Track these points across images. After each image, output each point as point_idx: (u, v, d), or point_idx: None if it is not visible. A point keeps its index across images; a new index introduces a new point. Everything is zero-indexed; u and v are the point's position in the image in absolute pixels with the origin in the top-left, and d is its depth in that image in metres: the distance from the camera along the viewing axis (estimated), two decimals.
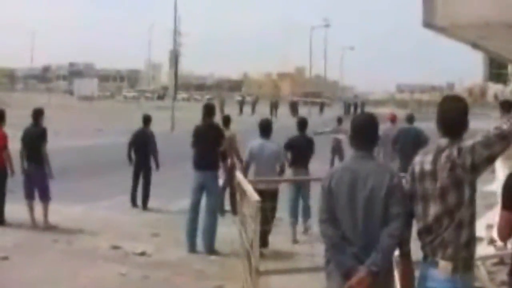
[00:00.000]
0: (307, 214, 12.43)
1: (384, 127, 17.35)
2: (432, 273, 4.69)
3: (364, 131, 5.15)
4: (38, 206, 12.75)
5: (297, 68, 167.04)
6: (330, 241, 5.01)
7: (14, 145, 13.00)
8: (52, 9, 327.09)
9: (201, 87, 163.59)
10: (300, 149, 12.63)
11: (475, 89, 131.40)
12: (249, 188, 7.59)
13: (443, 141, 4.74)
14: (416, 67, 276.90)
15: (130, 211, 14.71)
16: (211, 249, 11.13)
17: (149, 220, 13.84)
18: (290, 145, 12.61)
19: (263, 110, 70.41)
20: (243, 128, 15.74)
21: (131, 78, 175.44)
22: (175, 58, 53.98)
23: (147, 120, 15.95)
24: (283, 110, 69.22)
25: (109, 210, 14.59)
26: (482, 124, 11.83)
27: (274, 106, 70.74)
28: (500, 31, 12.88)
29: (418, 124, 16.62)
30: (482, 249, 8.80)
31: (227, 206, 14.15)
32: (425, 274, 4.76)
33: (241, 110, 67.94)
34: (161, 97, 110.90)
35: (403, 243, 4.96)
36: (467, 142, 4.62)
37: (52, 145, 14.01)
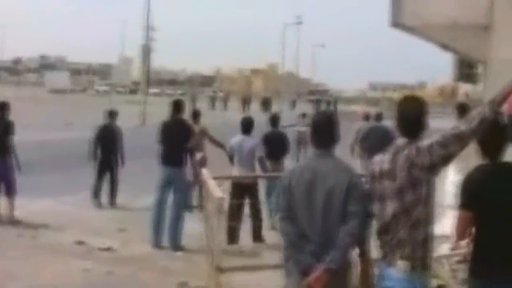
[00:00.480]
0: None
1: (358, 125, 17.48)
2: (390, 272, 4.72)
3: (324, 129, 5.17)
4: (3, 200, 12.62)
5: (270, 65, 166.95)
6: (289, 239, 5.04)
7: None
8: (23, 1, 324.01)
9: (173, 82, 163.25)
10: (274, 144, 12.90)
11: (447, 88, 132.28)
12: (212, 184, 7.57)
13: (402, 141, 4.78)
14: (389, 65, 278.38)
15: (94, 207, 14.58)
16: (176, 245, 11.09)
17: (116, 215, 13.77)
18: (265, 141, 12.73)
19: (235, 106, 70.49)
20: (216, 123, 15.66)
21: (103, 72, 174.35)
22: (146, 52, 53.77)
23: (113, 114, 15.68)
24: (255, 106, 69.17)
25: (75, 205, 14.48)
26: (453, 123, 11.97)
27: (246, 102, 70.86)
28: (468, 32, 12.98)
29: (388, 123, 16.70)
30: (448, 247, 8.89)
31: (195, 202, 14.11)
32: (384, 273, 4.79)
33: (213, 106, 67.93)
34: (133, 92, 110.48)
35: (362, 242, 5.00)
36: (425, 141, 4.66)
37: (21, 138, 13.88)
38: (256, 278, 8.47)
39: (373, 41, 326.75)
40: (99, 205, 14.61)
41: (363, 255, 5.05)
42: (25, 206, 13.26)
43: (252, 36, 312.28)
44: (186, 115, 12.44)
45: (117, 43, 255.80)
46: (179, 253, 10.88)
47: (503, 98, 4.60)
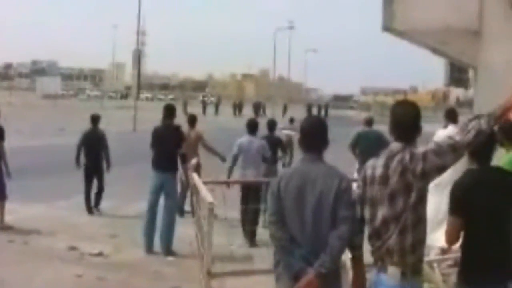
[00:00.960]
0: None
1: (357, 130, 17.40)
2: (382, 278, 4.72)
3: (313, 134, 5.17)
4: None
5: (261, 70, 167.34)
6: (279, 244, 5.03)
7: None
8: (14, 7, 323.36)
9: (165, 87, 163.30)
10: (270, 148, 13.12)
11: (438, 93, 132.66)
12: (203, 189, 7.57)
13: (395, 146, 4.77)
14: (380, 70, 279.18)
15: (87, 212, 14.54)
16: (168, 250, 11.08)
17: (107, 220, 13.75)
18: None
19: (227, 111, 70.56)
20: (208, 128, 15.65)
21: (94, 77, 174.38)
22: (138, 57, 53.72)
23: (96, 119, 15.30)
24: (247, 111, 69.25)
25: (67, 210, 14.46)
26: (442, 128, 11.99)
27: (238, 107, 71.09)
28: (459, 36, 13.02)
29: (380, 127, 16.66)
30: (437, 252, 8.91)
31: (187, 207, 14.10)
32: (376, 279, 4.79)
33: (204, 111, 67.99)
34: (124, 97, 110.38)
35: (356, 248, 4.99)
36: (420, 148, 4.66)
37: (12, 144, 13.86)
38: (248, 282, 8.47)
39: (365, 46, 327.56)
40: (90, 211, 14.53)
41: (356, 260, 5.05)
42: (17, 211, 13.25)
43: (244, 41, 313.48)
44: (179, 120, 12.42)
45: (109, 49, 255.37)
46: (171, 258, 10.87)
47: (502, 114, 4.60)
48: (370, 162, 4.89)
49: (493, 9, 11.62)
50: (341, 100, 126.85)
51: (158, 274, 9.94)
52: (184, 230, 11.30)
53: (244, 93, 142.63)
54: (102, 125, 15.58)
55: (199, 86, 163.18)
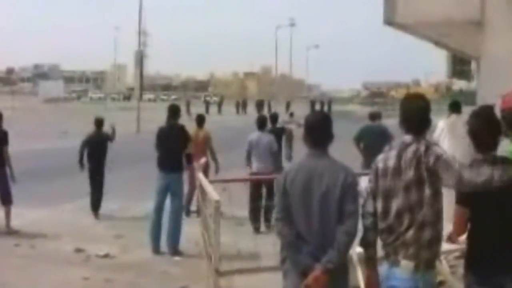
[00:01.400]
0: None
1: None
2: (394, 271, 4.71)
3: (318, 129, 5.15)
4: (0, 210, 12.58)
5: (263, 67, 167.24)
6: (286, 240, 5.02)
7: None
8: (15, 11, 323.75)
9: (167, 87, 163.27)
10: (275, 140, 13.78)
11: (441, 85, 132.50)
12: (209, 188, 7.54)
13: (408, 138, 4.81)
14: (382, 64, 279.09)
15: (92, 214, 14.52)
16: (175, 250, 11.07)
17: (113, 222, 13.72)
18: None
19: (230, 110, 70.57)
20: (211, 128, 15.65)
21: (97, 80, 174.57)
22: (140, 58, 53.67)
23: (100, 122, 15.10)
24: (250, 109, 69.33)
25: (72, 213, 14.46)
26: (445, 119, 11.96)
27: (242, 105, 71.28)
28: (461, 28, 12.99)
29: (385, 121, 16.64)
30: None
31: (194, 206, 14.09)
32: (387, 273, 4.78)
33: (207, 110, 67.97)
34: (127, 98, 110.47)
35: (370, 245, 4.95)
36: (438, 148, 4.75)
37: (16, 148, 13.84)
38: (256, 280, 8.45)
39: (366, 40, 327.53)
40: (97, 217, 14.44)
41: (370, 258, 5.01)
42: (23, 215, 13.24)
43: (245, 40, 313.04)
44: (182, 120, 12.40)
45: (111, 50, 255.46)
46: (177, 258, 10.85)
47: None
48: (381, 156, 4.91)
49: (495, 0, 11.59)
50: (378, 96, 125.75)
51: (166, 274, 9.93)
52: (191, 230, 11.27)
53: (246, 92, 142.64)
54: (108, 128, 15.52)
55: (202, 86, 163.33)
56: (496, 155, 5.11)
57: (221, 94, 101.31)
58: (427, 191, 4.65)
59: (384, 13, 12.50)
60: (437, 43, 16.97)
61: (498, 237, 4.84)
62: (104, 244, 11.57)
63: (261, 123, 13.73)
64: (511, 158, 5.60)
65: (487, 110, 5.18)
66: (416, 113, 4.87)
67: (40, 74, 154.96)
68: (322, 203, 4.90)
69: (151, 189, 11.77)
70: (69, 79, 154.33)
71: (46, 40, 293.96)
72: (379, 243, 4.96)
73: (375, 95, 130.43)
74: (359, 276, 6.85)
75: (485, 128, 4.94)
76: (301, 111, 39.75)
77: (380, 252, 4.96)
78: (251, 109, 70.10)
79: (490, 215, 4.85)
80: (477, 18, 11.95)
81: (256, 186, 12.87)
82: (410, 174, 4.66)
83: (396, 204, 4.71)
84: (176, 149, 11.47)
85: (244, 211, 12.29)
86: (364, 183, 5.34)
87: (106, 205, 14.69)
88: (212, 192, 7.27)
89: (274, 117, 16.14)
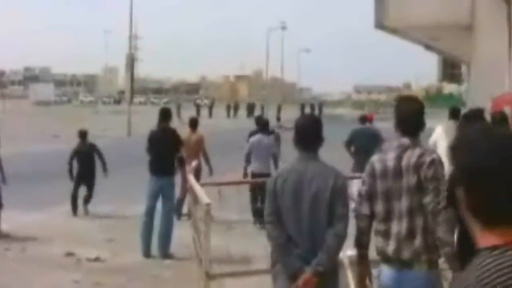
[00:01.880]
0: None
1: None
2: (406, 275, 4.72)
3: (308, 132, 5.16)
4: None
5: (255, 71, 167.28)
6: (276, 243, 5.03)
7: None
8: (5, 14, 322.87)
9: (159, 90, 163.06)
10: None
11: (432, 89, 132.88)
12: (200, 192, 7.54)
13: (406, 140, 4.82)
14: (373, 68, 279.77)
15: (84, 217, 14.52)
16: (166, 254, 11.05)
17: (104, 225, 13.69)
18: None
19: (221, 113, 70.54)
20: (201, 131, 15.62)
21: (88, 83, 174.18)
22: (130, 62, 53.61)
23: (84, 134, 15.55)
24: (241, 112, 69.34)
25: (63, 216, 14.41)
26: (441, 123, 11.99)
27: (234, 109, 71.30)
28: (451, 32, 13.03)
29: (376, 125, 16.68)
30: None
31: (185, 209, 14.08)
32: (396, 277, 4.77)
33: (198, 113, 67.93)
34: (117, 102, 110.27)
35: (363, 247, 4.97)
36: (429, 157, 4.72)
37: (7, 151, 13.79)
38: (247, 283, 8.45)
39: (357, 44, 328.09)
40: (75, 212, 14.68)
41: (362, 258, 5.03)
42: (13, 219, 13.17)
43: (236, 43, 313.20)
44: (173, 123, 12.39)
45: (102, 53, 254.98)
46: (168, 262, 10.83)
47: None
48: (377, 157, 4.91)
49: (485, 4, 11.64)
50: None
51: (156, 278, 9.90)
52: (182, 233, 11.27)
53: (237, 95, 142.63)
54: (99, 131, 15.60)
55: (193, 89, 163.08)
56: None
57: (212, 97, 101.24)
58: (429, 195, 4.66)
59: (375, 17, 12.58)
60: (428, 47, 17.07)
61: None
62: (94, 247, 11.52)
63: (262, 126, 14.48)
64: None
65: (477, 113, 5.22)
66: (412, 116, 4.90)
67: (31, 77, 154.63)
68: (312, 206, 4.92)
69: (142, 192, 11.75)
70: (60, 82, 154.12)
71: (36, 43, 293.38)
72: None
73: None
74: (350, 279, 6.87)
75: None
76: (292, 114, 39.76)
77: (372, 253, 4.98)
78: (242, 112, 70.10)
79: None
80: (467, 22, 12.02)
81: (255, 187, 12.95)
82: (411, 177, 4.68)
83: (397, 206, 4.74)
84: (168, 152, 11.44)
85: (235, 215, 12.27)
86: (356, 186, 5.36)
87: (98, 208, 14.69)
88: (203, 195, 7.27)
89: (265, 123, 16.28)
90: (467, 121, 5.32)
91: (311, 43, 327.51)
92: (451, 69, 25.90)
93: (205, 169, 14.51)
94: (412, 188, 4.68)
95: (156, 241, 11.21)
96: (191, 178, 9.02)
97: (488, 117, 7.50)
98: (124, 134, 40.56)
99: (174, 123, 12.79)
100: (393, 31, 13.03)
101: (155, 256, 11.08)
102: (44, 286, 9.49)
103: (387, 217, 4.78)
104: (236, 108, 73.90)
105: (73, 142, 15.11)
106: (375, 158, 4.93)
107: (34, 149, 29.36)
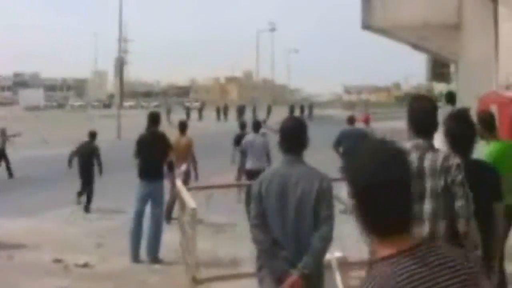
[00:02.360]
0: None
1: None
2: None
3: (292, 135, 5.12)
4: None
5: (245, 72, 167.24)
6: (262, 247, 5.00)
7: None
8: None
9: (148, 94, 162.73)
10: None
11: (421, 88, 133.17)
12: (186, 196, 7.49)
13: (420, 141, 4.75)
14: (362, 68, 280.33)
15: (73, 223, 14.44)
16: (155, 258, 10.97)
17: (93, 230, 13.61)
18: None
19: (211, 116, 70.46)
20: (191, 134, 15.55)
21: (78, 87, 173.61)
22: (120, 66, 53.53)
23: (93, 135, 16.63)
24: (231, 115, 69.31)
25: (52, 223, 14.31)
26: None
27: (224, 111, 71.27)
28: (439, 31, 13.00)
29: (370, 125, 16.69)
30: None
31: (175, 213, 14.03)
32: None
33: (188, 116, 67.84)
34: (107, 105, 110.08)
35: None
36: (458, 161, 4.68)
37: None
38: (234, 287, 8.40)
39: (346, 44, 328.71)
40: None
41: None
42: (1, 225, 13.09)
43: (226, 45, 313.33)
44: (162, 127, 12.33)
45: (92, 58, 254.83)
46: (157, 266, 10.75)
47: None
48: None
49: (472, 3, 11.62)
50: None
51: (144, 284, 9.82)
52: (171, 237, 11.21)
53: (228, 97, 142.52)
54: (87, 135, 15.87)
55: (183, 92, 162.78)
56: (474, 159, 5.12)
57: (202, 100, 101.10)
58: (458, 199, 4.60)
59: (361, 17, 12.53)
60: (416, 46, 17.05)
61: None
62: (83, 253, 11.44)
63: (256, 126, 14.80)
64: (487, 160, 5.62)
65: (463, 113, 5.19)
66: (426, 116, 4.82)
67: (20, 83, 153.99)
68: (298, 209, 4.88)
69: (131, 196, 11.67)
70: (50, 87, 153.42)
71: (26, 48, 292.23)
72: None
73: None
74: (338, 281, 6.83)
75: (460, 130, 4.94)
76: (282, 116, 39.78)
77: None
78: (232, 115, 69.99)
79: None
80: (454, 22, 12.00)
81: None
82: (439, 182, 4.61)
83: (419, 208, 4.61)
84: (157, 157, 11.37)
85: (223, 217, 12.20)
86: (346, 187, 5.30)
87: (86, 213, 14.66)
88: (189, 199, 7.22)
89: (257, 124, 16.49)
90: (454, 121, 5.28)
91: (300, 43, 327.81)
92: (440, 68, 25.90)
93: (207, 166, 14.61)
94: (438, 191, 4.61)
95: (145, 246, 11.14)
96: (178, 183, 8.98)
97: (474, 116, 7.50)
98: (114, 137, 40.41)
99: (164, 127, 12.72)
100: (380, 31, 12.98)
101: (143, 261, 11.00)
102: None
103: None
104: (225, 111, 73.68)
105: (62, 147, 15.07)
106: None
107: (24, 154, 29.21)
